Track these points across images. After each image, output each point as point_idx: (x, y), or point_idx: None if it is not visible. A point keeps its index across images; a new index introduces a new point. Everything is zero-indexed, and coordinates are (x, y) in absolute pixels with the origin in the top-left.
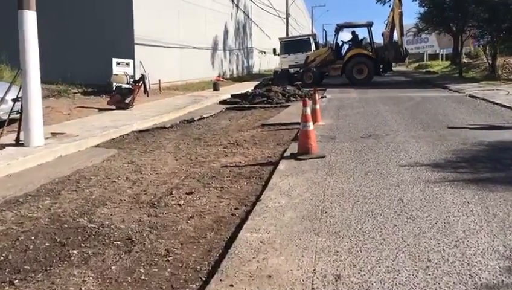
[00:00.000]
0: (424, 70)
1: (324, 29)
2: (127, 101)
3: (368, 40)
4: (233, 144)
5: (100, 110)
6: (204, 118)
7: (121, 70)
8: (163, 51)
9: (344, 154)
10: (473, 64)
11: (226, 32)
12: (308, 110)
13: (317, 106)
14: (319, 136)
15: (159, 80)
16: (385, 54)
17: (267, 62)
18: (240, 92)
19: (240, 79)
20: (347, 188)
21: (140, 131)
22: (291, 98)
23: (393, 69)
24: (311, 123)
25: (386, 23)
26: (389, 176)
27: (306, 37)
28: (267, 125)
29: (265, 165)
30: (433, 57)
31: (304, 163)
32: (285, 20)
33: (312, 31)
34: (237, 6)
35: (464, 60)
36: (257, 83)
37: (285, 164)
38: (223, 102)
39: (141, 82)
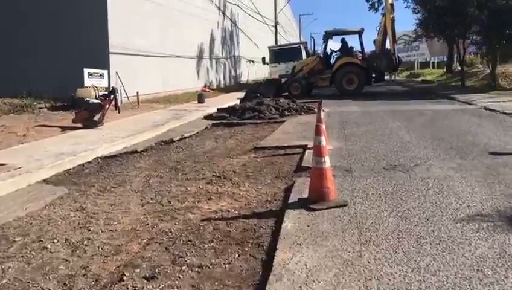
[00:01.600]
0: (419, 79)
1: (312, 37)
2: (95, 118)
3: (359, 48)
4: (219, 177)
5: (64, 129)
6: (185, 137)
7: (93, 82)
8: (143, 60)
9: (372, 200)
10: (470, 72)
11: (212, 40)
12: (324, 140)
13: (323, 126)
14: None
15: (137, 93)
16: (377, 63)
17: (255, 71)
18: (227, 106)
19: (227, 89)
20: (400, 277)
21: (106, 157)
22: (286, 112)
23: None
24: (327, 158)
25: (377, 29)
26: (455, 247)
27: (297, 45)
28: (260, 148)
29: (264, 217)
30: (424, 65)
31: (320, 217)
32: (273, 29)
33: (300, 40)
34: (224, 13)
35: (459, 67)
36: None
37: (293, 217)
38: (209, 117)
39: (112, 97)
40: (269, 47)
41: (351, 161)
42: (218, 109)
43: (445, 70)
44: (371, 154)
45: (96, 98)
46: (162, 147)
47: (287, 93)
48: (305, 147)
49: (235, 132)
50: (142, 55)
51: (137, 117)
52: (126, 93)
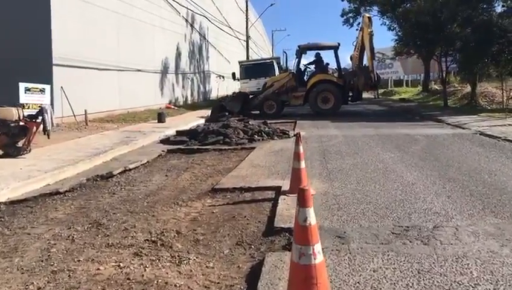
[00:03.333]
0: (395, 98)
1: (285, 52)
2: (19, 144)
3: (335, 65)
4: (155, 241)
5: None
6: (129, 170)
7: (32, 98)
8: (96, 74)
9: None
10: (448, 91)
11: (178, 54)
12: (314, 218)
13: (302, 164)
14: None
15: (85, 111)
16: (354, 80)
17: (226, 87)
18: (188, 128)
19: (194, 106)
20: None
21: (13, 202)
22: (256, 137)
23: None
24: (319, 247)
25: (354, 44)
26: None
27: (269, 61)
28: (220, 190)
29: None
30: (397, 83)
31: None
32: (244, 43)
33: (273, 55)
34: (192, 26)
35: (436, 86)
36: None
37: None
38: (166, 140)
39: (40, 118)
40: (240, 62)
41: (343, 217)
42: (177, 132)
43: (421, 88)
44: (367, 204)
45: (20, 119)
46: (96, 185)
47: (258, 112)
48: (278, 190)
49: (193, 162)
50: (96, 68)
51: (79, 141)
52: (73, 112)
